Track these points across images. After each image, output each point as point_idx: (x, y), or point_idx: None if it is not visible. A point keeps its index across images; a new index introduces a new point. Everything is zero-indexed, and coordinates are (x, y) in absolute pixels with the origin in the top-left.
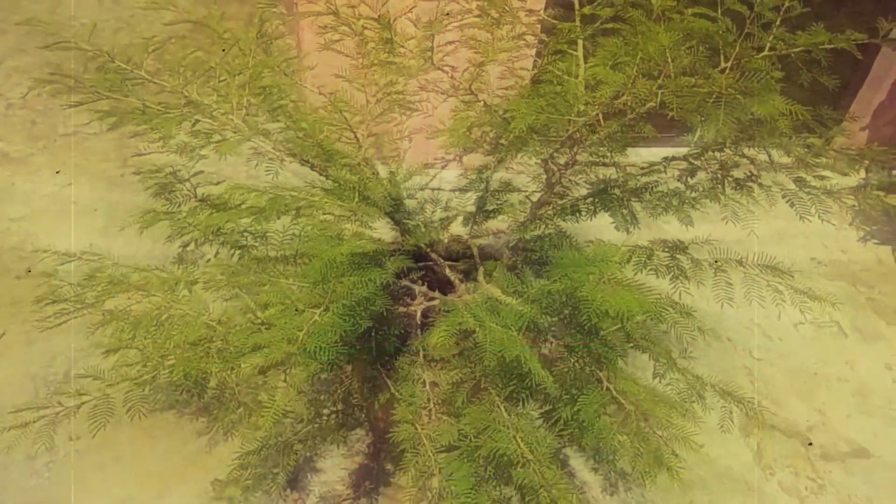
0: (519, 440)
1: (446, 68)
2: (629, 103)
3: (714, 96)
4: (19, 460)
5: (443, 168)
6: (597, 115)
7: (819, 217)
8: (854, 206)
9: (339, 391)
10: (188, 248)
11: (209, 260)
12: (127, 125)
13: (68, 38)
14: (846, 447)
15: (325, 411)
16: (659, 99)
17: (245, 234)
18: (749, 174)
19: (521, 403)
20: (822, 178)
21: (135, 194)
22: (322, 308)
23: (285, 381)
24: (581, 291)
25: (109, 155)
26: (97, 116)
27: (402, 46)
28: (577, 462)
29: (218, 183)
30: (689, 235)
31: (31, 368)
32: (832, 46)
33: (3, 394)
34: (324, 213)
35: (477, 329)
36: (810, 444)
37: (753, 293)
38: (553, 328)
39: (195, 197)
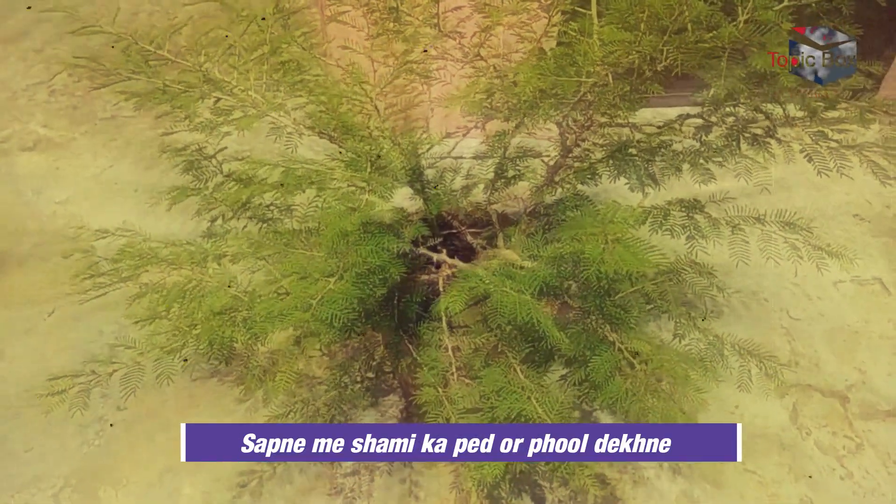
0: (534, 401)
1: (454, 35)
2: (636, 62)
3: (720, 51)
4: (72, 429)
5: (464, 136)
6: (606, 75)
7: (838, 171)
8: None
9: (368, 358)
10: (216, 223)
11: (237, 234)
12: (155, 105)
13: (99, 24)
14: (887, 405)
15: (356, 377)
16: (665, 56)
17: (271, 207)
18: (766, 129)
19: (540, 366)
20: (844, 131)
21: (173, 174)
22: (336, 277)
23: (320, 349)
24: (583, 252)
25: (147, 137)
26: (123, 98)
27: (409, 14)
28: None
29: (243, 159)
30: (710, 192)
31: (79, 344)
32: None
33: (53, 368)
34: (347, 186)
35: (491, 293)
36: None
37: (772, 250)
38: (570, 291)
39: (221, 173)
